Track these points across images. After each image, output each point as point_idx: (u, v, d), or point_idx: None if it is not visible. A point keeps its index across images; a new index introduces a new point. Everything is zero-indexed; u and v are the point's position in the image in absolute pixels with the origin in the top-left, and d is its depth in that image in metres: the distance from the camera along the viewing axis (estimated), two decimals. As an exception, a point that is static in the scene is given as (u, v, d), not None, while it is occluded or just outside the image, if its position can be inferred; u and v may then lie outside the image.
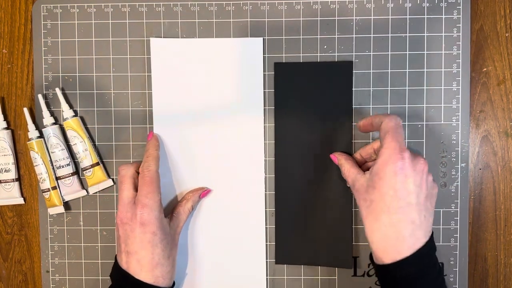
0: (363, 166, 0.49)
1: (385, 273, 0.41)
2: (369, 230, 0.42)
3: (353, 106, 0.50)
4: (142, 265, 0.43)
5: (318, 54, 0.50)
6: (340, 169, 0.48)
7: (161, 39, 0.50)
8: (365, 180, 0.43)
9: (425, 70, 0.50)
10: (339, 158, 0.48)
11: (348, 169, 0.46)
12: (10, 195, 0.51)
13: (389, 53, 0.50)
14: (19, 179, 0.52)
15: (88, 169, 0.50)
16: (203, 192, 0.50)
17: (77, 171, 0.51)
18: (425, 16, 0.50)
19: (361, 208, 0.43)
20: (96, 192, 0.52)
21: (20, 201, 0.52)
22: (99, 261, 0.52)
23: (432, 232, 0.42)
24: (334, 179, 0.50)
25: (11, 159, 0.51)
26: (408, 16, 0.50)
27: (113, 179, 0.51)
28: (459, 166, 0.50)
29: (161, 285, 0.44)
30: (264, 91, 0.50)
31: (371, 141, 0.50)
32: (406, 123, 0.50)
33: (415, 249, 0.40)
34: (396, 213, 0.40)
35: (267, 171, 0.51)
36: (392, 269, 0.40)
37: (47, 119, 0.50)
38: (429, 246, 0.41)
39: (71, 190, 0.51)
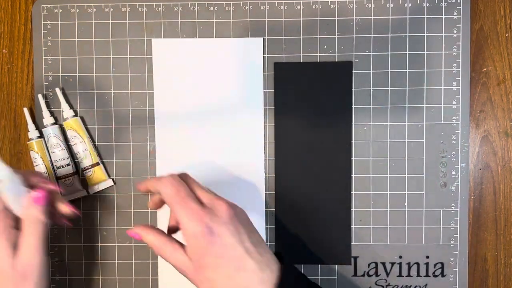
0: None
1: None
2: None
3: (353, 106, 0.50)
4: None
5: (318, 54, 0.50)
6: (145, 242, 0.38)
7: (162, 40, 0.50)
8: (187, 260, 0.36)
9: (425, 70, 0.50)
10: (143, 234, 0.38)
11: (163, 248, 0.37)
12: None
13: (389, 53, 0.50)
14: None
15: (88, 169, 0.50)
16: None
17: (77, 171, 0.51)
18: (425, 16, 0.50)
19: None
20: (96, 192, 0.52)
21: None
22: (99, 261, 0.52)
23: (282, 258, 0.38)
24: (334, 179, 0.50)
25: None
26: (408, 16, 0.50)
27: (113, 179, 0.51)
28: (459, 166, 0.50)
29: None
30: (264, 91, 0.50)
31: (370, 141, 0.50)
32: (406, 123, 0.50)
33: None
34: (239, 272, 0.35)
35: (267, 171, 0.51)
36: None
37: (47, 119, 0.50)
38: (286, 278, 0.36)
39: (71, 190, 0.51)
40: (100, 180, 0.51)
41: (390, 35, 0.50)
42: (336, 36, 0.50)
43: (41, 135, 0.51)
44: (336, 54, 0.50)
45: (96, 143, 0.52)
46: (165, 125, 0.51)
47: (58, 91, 0.51)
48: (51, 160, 0.51)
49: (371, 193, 0.50)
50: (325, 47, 0.50)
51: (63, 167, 0.50)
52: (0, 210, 0.38)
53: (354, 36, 0.50)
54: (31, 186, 0.40)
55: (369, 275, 0.51)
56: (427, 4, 0.50)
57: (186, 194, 0.37)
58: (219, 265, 0.35)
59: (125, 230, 0.51)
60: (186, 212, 0.36)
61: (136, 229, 0.38)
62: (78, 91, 0.51)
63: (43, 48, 0.51)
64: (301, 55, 0.50)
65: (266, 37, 0.50)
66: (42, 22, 0.51)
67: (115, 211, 0.52)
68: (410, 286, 0.51)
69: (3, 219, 0.38)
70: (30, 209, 0.39)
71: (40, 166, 0.50)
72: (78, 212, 0.42)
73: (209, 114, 0.50)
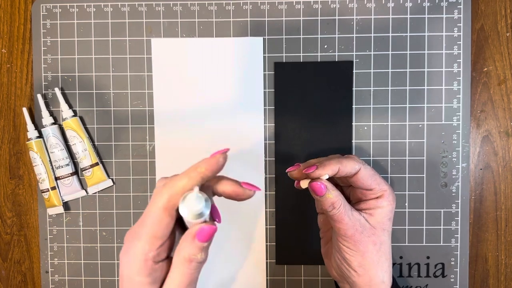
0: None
1: None
2: (382, 271, 0.40)
3: (354, 106, 0.50)
4: None
5: (319, 54, 0.50)
6: (326, 198, 0.38)
7: (162, 39, 0.50)
8: (364, 221, 0.40)
9: (425, 69, 0.50)
10: (329, 188, 0.38)
11: (344, 207, 0.39)
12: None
13: (390, 52, 0.50)
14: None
15: (88, 169, 0.50)
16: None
17: (77, 171, 0.51)
18: (426, 16, 0.49)
19: (367, 252, 0.39)
20: (95, 192, 0.51)
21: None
22: (99, 261, 0.52)
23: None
24: (335, 179, 0.50)
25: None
26: (408, 16, 0.50)
27: (112, 179, 0.51)
28: (459, 166, 0.50)
29: None
30: (264, 91, 0.50)
31: (371, 141, 0.50)
32: (407, 123, 0.50)
33: None
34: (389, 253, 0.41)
35: (267, 171, 0.51)
36: None
37: (46, 119, 0.50)
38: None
39: (70, 190, 0.51)
40: (100, 180, 0.51)
41: (390, 34, 0.50)
42: (337, 35, 0.50)
43: (41, 135, 0.51)
44: (336, 53, 0.50)
45: (96, 143, 0.51)
46: (164, 125, 0.51)
47: (57, 91, 0.50)
48: (50, 160, 0.50)
49: (371, 193, 0.50)
50: (326, 46, 0.50)
51: (62, 167, 0.50)
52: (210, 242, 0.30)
53: (354, 35, 0.50)
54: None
55: (369, 276, 0.51)
56: (428, 4, 0.49)
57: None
58: (389, 230, 0.41)
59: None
60: (385, 181, 0.41)
61: (320, 181, 0.39)
62: (77, 91, 0.51)
63: (42, 48, 0.51)
64: (301, 54, 0.50)
65: (266, 37, 0.50)
66: (42, 22, 0.51)
67: (115, 211, 0.51)
68: (411, 286, 0.51)
69: (153, 245, 0.29)
70: (189, 247, 0.29)
71: (39, 166, 0.50)
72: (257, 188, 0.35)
73: (208, 114, 0.50)
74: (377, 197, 0.40)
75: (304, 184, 0.40)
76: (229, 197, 0.33)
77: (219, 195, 0.33)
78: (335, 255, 0.42)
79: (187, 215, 0.28)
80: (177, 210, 0.29)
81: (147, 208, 0.30)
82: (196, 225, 0.29)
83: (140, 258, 0.29)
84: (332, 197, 0.38)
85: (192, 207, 0.28)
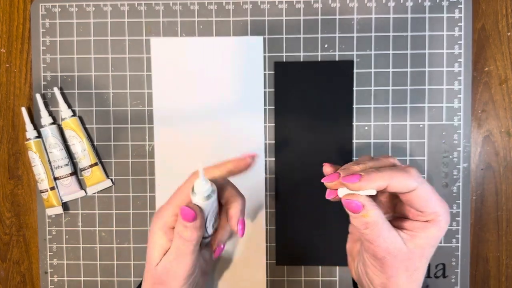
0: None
1: None
2: None
3: (354, 106, 0.50)
4: None
5: (319, 53, 0.50)
6: (362, 217, 0.33)
7: (161, 38, 0.50)
8: (403, 245, 0.34)
9: (426, 69, 0.49)
10: (367, 207, 0.33)
11: (381, 226, 0.33)
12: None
13: (391, 52, 0.50)
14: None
15: (87, 169, 0.50)
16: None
17: (76, 171, 0.51)
18: (427, 15, 0.49)
19: (395, 277, 0.34)
20: (94, 193, 0.51)
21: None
22: (98, 262, 0.52)
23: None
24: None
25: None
26: (409, 15, 0.49)
27: (112, 180, 0.51)
28: (460, 166, 0.50)
29: None
30: (264, 91, 0.50)
31: (371, 141, 0.50)
32: (408, 122, 0.50)
33: None
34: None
35: (267, 171, 0.50)
36: None
37: (46, 119, 0.50)
38: None
39: (69, 190, 0.50)
40: (99, 180, 0.50)
41: (391, 34, 0.50)
42: (337, 35, 0.50)
43: (39, 135, 0.50)
44: (337, 53, 0.50)
45: (95, 143, 0.51)
46: (164, 125, 0.50)
47: (56, 90, 0.50)
48: (49, 160, 0.50)
49: (372, 194, 0.50)
50: (326, 46, 0.50)
51: (61, 167, 0.50)
52: (198, 227, 0.35)
53: (355, 35, 0.50)
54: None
55: (370, 276, 0.51)
56: (429, 3, 0.49)
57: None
58: (428, 257, 0.35)
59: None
60: (442, 204, 0.34)
61: (356, 198, 0.33)
62: (76, 91, 0.51)
63: (41, 47, 0.51)
64: (301, 54, 0.50)
65: (266, 36, 0.50)
66: (41, 21, 0.51)
67: (114, 211, 0.51)
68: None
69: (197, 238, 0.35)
70: (178, 224, 0.35)
71: (38, 166, 0.50)
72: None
73: (208, 113, 0.50)
74: (426, 221, 0.34)
75: (341, 193, 0.34)
76: (232, 173, 0.38)
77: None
78: (359, 264, 0.38)
79: (196, 197, 0.33)
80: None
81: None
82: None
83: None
84: (368, 218, 0.33)
85: (199, 189, 0.33)
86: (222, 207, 0.38)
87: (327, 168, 0.37)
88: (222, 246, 0.39)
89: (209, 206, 0.34)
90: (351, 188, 0.33)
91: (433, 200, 0.33)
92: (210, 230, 0.36)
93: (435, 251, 0.49)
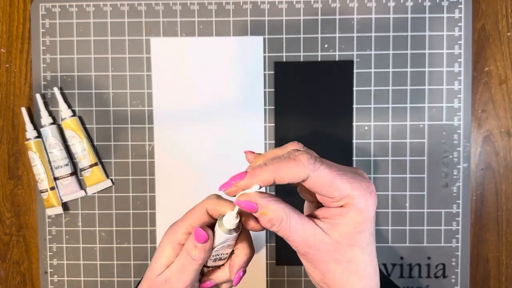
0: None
1: None
2: None
3: (354, 106, 0.50)
4: None
5: (319, 53, 0.50)
6: (262, 215, 0.31)
7: (161, 38, 0.50)
8: (326, 237, 0.31)
9: (426, 69, 0.49)
10: (262, 205, 0.30)
11: (288, 222, 0.31)
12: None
13: (391, 52, 0.50)
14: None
15: (87, 169, 0.50)
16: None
17: (76, 171, 0.51)
18: (427, 15, 0.49)
19: (329, 271, 0.31)
20: (94, 193, 0.51)
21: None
22: (98, 262, 0.51)
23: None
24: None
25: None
26: (409, 15, 0.49)
27: (112, 180, 0.51)
28: (460, 166, 0.50)
29: None
30: (264, 91, 0.50)
31: (372, 141, 0.50)
32: (408, 122, 0.50)
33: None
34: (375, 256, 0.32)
35: (267, 171, 0.50)
36: None
37: (45, 119, 0.50)
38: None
39: (69, 190, 0.50)
40: (99, 180, 0.50)
41: (391, 34, 0.50)
42: (337, 35, 0.50)
43: (39, 135, 0.50)
44: (337, 53, 0.50)
45: (95, 143, 0.51)
46: (164, 124, 0.50)
47: (56, 90, 0.50)
48: (49, 160, 0.50)
49: (372, 194, 0.50)
50: (326, 46, 0.50)
51: (61, 167, 0.50)
52: (207, 250, 0.33)
53: (355, 35, 0.50)
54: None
55: (370, 276, 0.51)
56: (429, 3, 0.49)
57: (340, 167, 0.31)
58: (370, 243, 0.31)
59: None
60: (355, 184, 0.30)
61: (250, 198, 0.30)
62: (76, 91, 0.51)
63: (41, 47, 0.51)
64: (301, 54, 0.50)
65: (266, 36, 0.50)
66: (41, 21, 0.51)
67: (114, 211, 0.51)
68: (412, 287, 0.50)
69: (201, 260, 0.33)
70: (189, 242, 0.34)
71: (38, 166, 0.49)
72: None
73: (208, 113, 0.50)
74: (341, 206, 0.31)
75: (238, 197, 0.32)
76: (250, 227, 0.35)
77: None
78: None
79: (220, 226, 0.33)
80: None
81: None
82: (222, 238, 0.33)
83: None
84: (268, 215, 0.30)
85: (228, 220, 0.32)
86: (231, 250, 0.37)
87: (249, 156, 0.34)
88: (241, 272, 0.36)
89: (224, 239, 0.33)
90: (238, 187, 0.31)
91: (338, 183, 0.30)
92: (210, 262, 0.36)
93: (436, 251, 0.49)
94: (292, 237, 0.31)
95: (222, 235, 0.33)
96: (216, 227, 0.33)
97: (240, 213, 0.33)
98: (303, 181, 0.30)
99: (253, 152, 0.34)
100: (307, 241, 0.31)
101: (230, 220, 0.32)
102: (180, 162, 0.50)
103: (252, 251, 0.35)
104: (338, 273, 0.31)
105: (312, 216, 0.32)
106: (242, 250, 0.35)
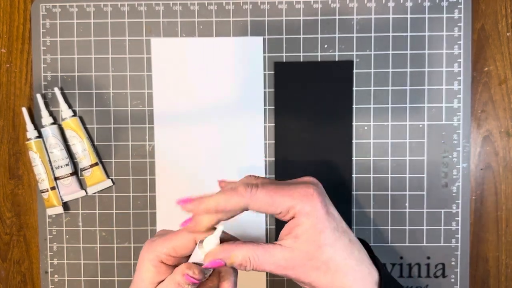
0: None
1: None
2: (342, 285, 0.32)
3: (354, 106, 0.50)
4: None
5: (319, 54, 0.50)
6: (231, 264, 0.32)
7: (162, 39, 0.50)
8: (289, 253, 0.32)
9: (426, 69, 0.50)
10: (228, 257, 0.32)
11: (256, 258, 0.32)
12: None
13: (390, 52, 0.50)
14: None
15: (87, 169, 0.50)
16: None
17: (76, 171, 0.51)
18: (426, 15, 0.49)
19: (314, 280, 0.32)
20: (95, 193, 0.51)
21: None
22: (98, 262, 0.52)
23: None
24: (335, 179, 0.50)
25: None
26: (409, 15, 0.49)
27: (112, 179, 0.51)
28: (460, 166, 0.50)
29: None
30: (264, 91, 0.50)
31: (371, 141, 0.50)
32: (407, 122, 0.50)
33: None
34: (353, 244, 0.33)
35: (267, 171, 0.51)
36: None
37: (46, 119, 0.50)
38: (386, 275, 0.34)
39: (70, 190, 0.51)
40: (99, 180, 0.51)
41: (391, 34, 0.50)
42: (337, 35, 0.50)
43: (40, 135, 0.51)
44: (336, 53, 0.50)
45: (95, 143, 0.51)
46: (164, 125, 0.51)
47: (57, 90, 0.50)
48: (49, 160, 0.50)
49: (371, 194, 0.50)
50: (326, 46, 0.50)
51: (61, 167, 0.50)
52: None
53: (354, 35, 0.50)
54: None
55: (369, 276, 0.51)
56: (428, 3, 0.49)
57: (276, 182, 0.33)
58: (337, 237, 0.32)
59: (126, 239, 0.50)
60: (294, 192, 0.32)
61: (213, 256, 0.32)
62: (77, 91, 0.51)
63: (41, 48, 0.51)
64: (301, 54, 0.50)
65: (266, 36, 0.50)
66: (41, 21, 0.51)
67: (114, 211, 0.51)
68: (411, 287, 0.50)
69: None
70: (180, 270, 0.33)
71: (38, 166, 0.50)
72: None
73: (208, 113, 0.50)
74: (292, 217, 0.32)
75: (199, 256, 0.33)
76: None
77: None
78: None
79: (201, 251, 0.32)
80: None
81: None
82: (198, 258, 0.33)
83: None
84: (236, 261, 0.32)
85: (209, 245, 0.32)
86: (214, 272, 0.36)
87: (221, 184, 0.36)
88: None
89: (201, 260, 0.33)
90: (188, 210, 0.32)
91: (277, 199, 0.32)
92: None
93: (435, 251, 0.49)
94: (267, 267, 0.32)
95: (201, 255, 0.33)
96: (198, 251, 0.33)
97: (221, 239, 0.33)
98: (247, 209, 0.32)
99: (225, 181, 0.36)
100: (280, 265, 0.32)
101: (212, 245, 0.32)
102: (180, 162, 0.51)
103: (236, 271, 0.36)
104: (322, 278, 0.32)
105: (279, 239, 0.33)
106: (228, 275, 0.35)
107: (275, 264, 0.32)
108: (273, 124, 0.50)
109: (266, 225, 0.51)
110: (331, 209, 0.33)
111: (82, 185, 0.51)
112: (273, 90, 0.50)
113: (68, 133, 0.50)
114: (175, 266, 0.34)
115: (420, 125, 0.50)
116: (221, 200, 0.31)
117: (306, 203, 0.32)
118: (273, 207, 0.32)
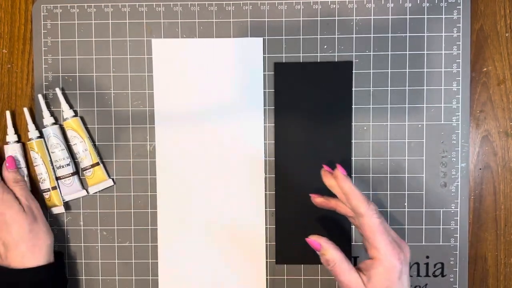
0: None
1: None
2: None
3: (353, 106, 0.50)
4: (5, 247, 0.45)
5: (318, 54, 0.50)
6: (322, 255, 0.41)
7: (162, 40, 0.50)
8: (361, 284, 0.39)
9: (425, 70, 0.50)
10: (324, 247, 0.41)
11: (340, 265, 0.40)
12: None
13: (389, 53, 0.50)
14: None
15: (88, 169, 0.50)
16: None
17: (77, 171, 0.51)
18: (425, 16, 0.50)
19: None
20: (96, 192, 0.51)
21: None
22: (99, 261, 0.52)
23: None
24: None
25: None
26: (408, 16, 0.50)
27: (113, 179, 0.51)
28: (459, 166, 0.50)
29: (30, 262, 0.45)
30: (264, 91, 0.50)
31: (370, 141, 0.50)
32: (406, 123, 0.50)
33: None
34: None
35: (267, 171, 0.51)
36: None
37: (47, 119, 0.50)
38: None
39: (71, 190, 0.51)
40: (100, 180, 0.51)
41: (390, 35, 0.50)
42: (336, 36, 0.50)
43: (41, 135, 0.51)
44: (336, 54, 0.50)
45: (96, 143, 0.51)
46: (165, 125, 0.51)
47: (58, 91, 0.51)
48: (51, 160, 0.51)
49: (371, 193, 0.50)
50: (325, 47, 0.50)
51: (63, 167, 0.50)
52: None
53: (354, 36, 0.50)
54: None
55: (369, 275, 0.51)
56: (427, 4, 0.50)
57: (388, 227, 0.41)
58: (399, 286, 0.39)
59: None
60: (388, 245, 0.39)
61: (318, 239, 0.41)
62: (78, 91, 0.51)
63: (43, 48, 0.51)
64: (301, 55, 0.50)
65: (266, 37, 0.50)
66: (42, 22, 0.51)
67: (115, 211, 0.52)
68: (410, 286, 0.51)
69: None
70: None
71: (40, 166, 0.50)
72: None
73: (209, 114, 0.50)
74: (372, 258, 0.40)
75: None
76: None
77: None
78: None
79: None
80: None
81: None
82: None
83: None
84: (327, 256, 0.40)
85: None
86: None
87: (316, 199, 0.46)
88: None
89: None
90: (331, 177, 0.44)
91: (378, 235, 0.39)
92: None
93: (434, 250, 0.49)
94: (340, 278, 0.40)
95: None
96: None
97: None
98: (360, 216, 0.40)
99: (319, 197, 0.46)
100: (350, 285, 0.39)
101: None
102: (180, 161, 0.51)
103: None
104: None
105: (359, 266, 0.41)
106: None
107: (347, 281, 0.39)
108: (273, 124, 0.51)
109: (266, 225, 0.51)
110: (403, 277, 0.39)
111: (83, 185, 0.52)
112: (273, 90, 0.50)
113: (69, 133, 0.50)
114: None
115: (419, 125, 0.50)
116: (354, 192, 0.41)
117: (389, 259, 0.39)
118: (371, 234, 0.40)
